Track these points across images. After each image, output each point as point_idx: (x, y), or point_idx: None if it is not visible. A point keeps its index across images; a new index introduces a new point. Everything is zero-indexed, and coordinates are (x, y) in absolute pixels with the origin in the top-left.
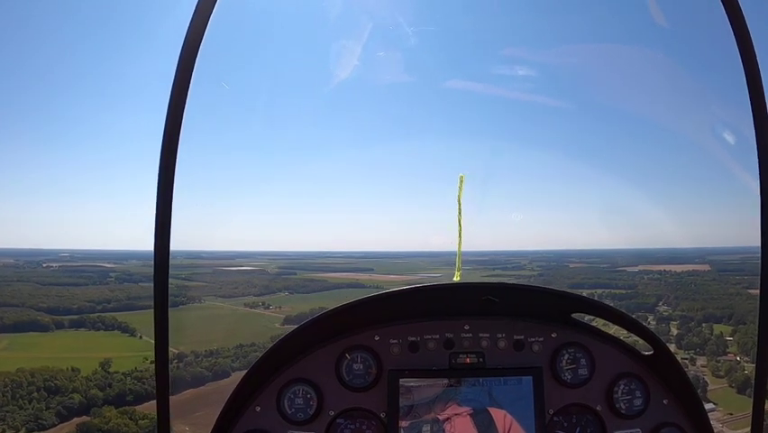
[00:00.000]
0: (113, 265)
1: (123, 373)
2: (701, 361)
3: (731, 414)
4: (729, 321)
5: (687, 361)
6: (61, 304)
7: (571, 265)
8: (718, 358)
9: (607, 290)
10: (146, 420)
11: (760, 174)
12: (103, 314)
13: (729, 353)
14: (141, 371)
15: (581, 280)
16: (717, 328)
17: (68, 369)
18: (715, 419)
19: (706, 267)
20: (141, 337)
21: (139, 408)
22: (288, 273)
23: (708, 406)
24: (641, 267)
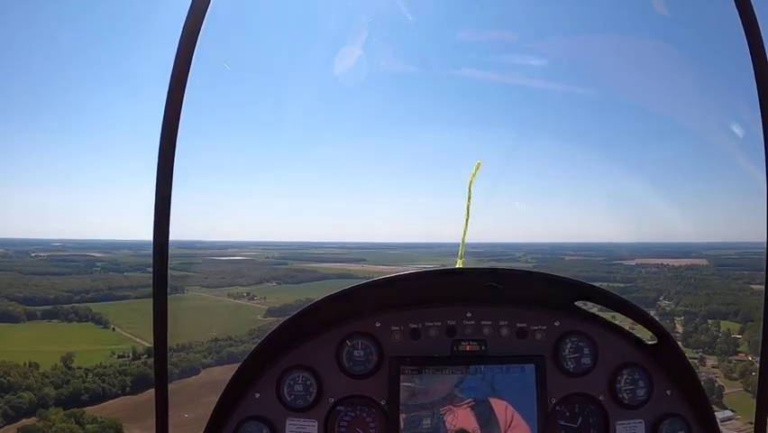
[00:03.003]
0: (102, 255)
1: (85, 369)
2: (712, 361)
3: (752, 423)
4: (736, 318)
5: (696, 361)
6: (37, 294)
7: (567, 258)
8: (730, 358)
9: (605, 284)
10: (94, 424)
11: (767, 170)
12: (78, 305)
13: (740, 352)
14: (105, 367)
15: (578, 273)
16: (725, 325)
17: (25, 364)
18: (735, 429)
19: (703, 261)
20: (114, 330)
21: (92, 409)
22: (278, 263)
23: (725, 413)
24: (638, 260)
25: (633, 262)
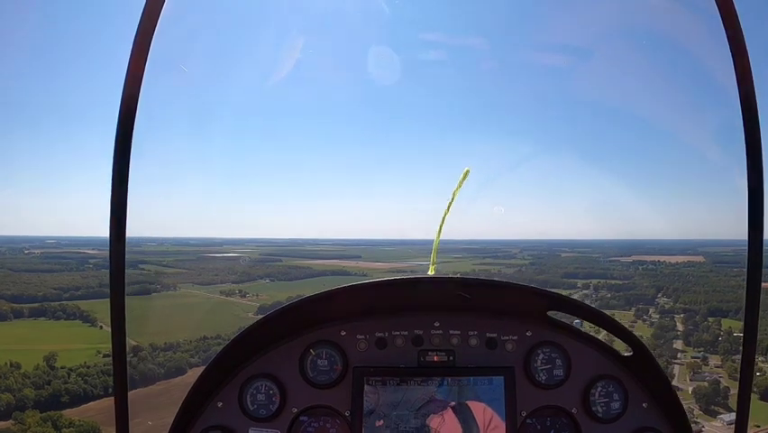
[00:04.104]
0: (96, 252)
1: (68, 369)
2: (715, 360)
3: (758, 426)
4: (737, 316)
5: (699, 360)
6: (26, 291)
7: (563, 255)
8: (733, 358)
9: (602, 281)
10: (71, 429)
11: (748, 172)
12: (65, 302)
13: None
14: (89, 366)
15: (575, 270)
16: (726, 323)
17: (6, 364)
18: None
19: (700, 258)
20: (101, 328)
21: (71, 411)
22: (272, 260)
23: (732, 416)
24: (634, 257)
25: (629, 259)
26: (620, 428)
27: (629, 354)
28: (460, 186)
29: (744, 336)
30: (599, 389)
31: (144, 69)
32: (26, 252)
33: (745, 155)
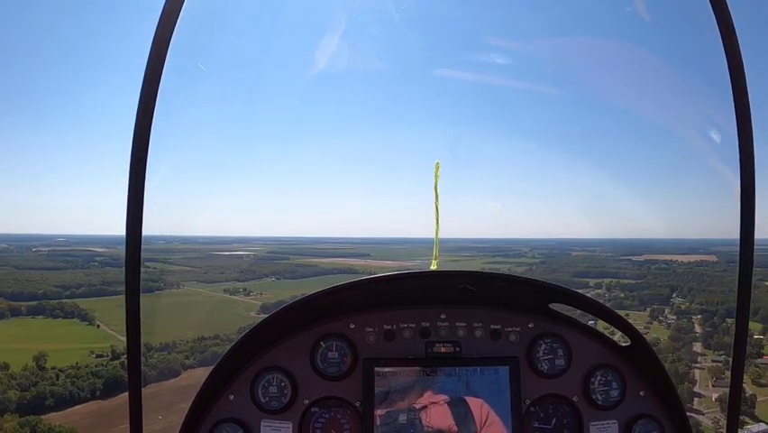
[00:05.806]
0: (104, 250)
1: (58, 370)
2: None
3: None
4: (755, 317)
5: (720, 364)
6: (27, 289)
7: (574, 254)
8: (756, 362)
9: (615, 280)
10: None
11: (741, 172)
12: (64, 300)
13: (765, 354)
14: (79, 367)
15: (586, 269)
16: None
17: None
18: None
19: (713, 258)
20: (98, 327)
21: (55, 415)
22: (279, 258)
23: (760, 426)
24: (645, 257)
25: (641, 258)
26: (619, 415)
27: (627, 344)
28: (437, 179)
29: (734, 342)
30: (599, 378)
31: (163, 70)
32: (34, 250)
33: (739, 157)
